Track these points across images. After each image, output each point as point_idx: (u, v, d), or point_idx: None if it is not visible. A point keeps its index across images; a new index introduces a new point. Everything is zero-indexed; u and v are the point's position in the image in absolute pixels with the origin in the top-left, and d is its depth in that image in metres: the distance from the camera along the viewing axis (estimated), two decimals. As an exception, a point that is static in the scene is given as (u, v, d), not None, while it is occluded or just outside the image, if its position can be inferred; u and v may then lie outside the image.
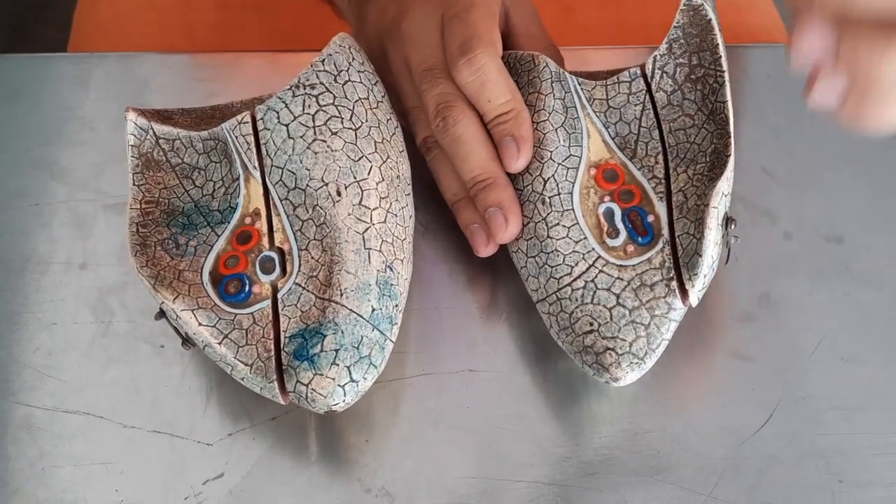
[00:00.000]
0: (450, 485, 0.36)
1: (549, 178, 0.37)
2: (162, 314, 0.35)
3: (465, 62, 0.37)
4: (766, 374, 0.39)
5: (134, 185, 0.37)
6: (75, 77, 0.47)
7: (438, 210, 0.43)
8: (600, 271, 0.36)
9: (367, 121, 0.37)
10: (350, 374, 0.33)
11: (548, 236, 0.37)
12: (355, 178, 0.35)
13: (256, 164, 0.36)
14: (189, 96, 0.47)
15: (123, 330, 0.39)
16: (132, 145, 0.38)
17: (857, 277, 0.42)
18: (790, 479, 0.36)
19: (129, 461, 0.36)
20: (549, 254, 0.36)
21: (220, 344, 0.33)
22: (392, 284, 0.35)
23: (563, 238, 0.36)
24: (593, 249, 0.36)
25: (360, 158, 0.36)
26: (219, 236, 0.36)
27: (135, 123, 0.38)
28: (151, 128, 0.38)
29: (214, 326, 0.33)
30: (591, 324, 0.35)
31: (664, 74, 0.38)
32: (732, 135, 0.36)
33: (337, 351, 0.32)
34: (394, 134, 0.38)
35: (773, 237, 0.43)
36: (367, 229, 0.35)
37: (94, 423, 0.37)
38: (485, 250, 0.38)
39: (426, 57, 0.39)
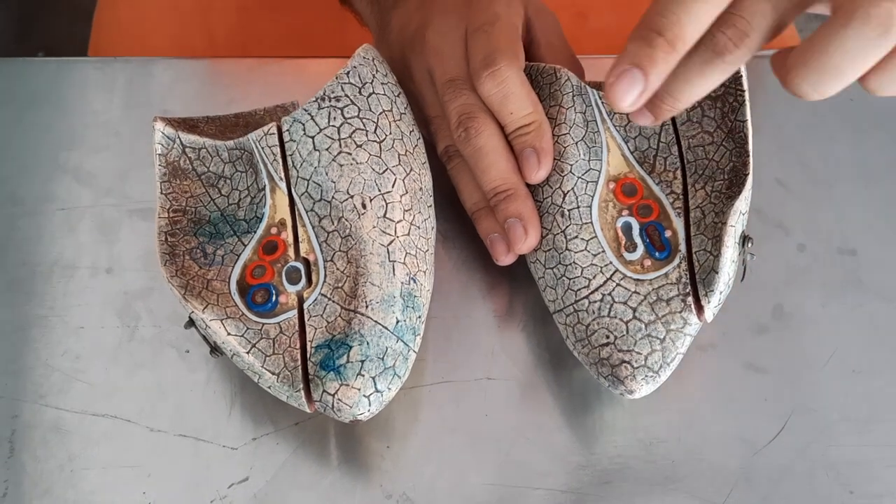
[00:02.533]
0: (469, 491, 0.37)
1: (568, 191, 0.38)
2: (191, 323, 0.35)
3: (488, 75, 0.38)
4: (779, 385, 0.39)
5: (161, 193, 0.38)
6: (99, 82, 0.48)
7: (456, 219, 0.43)
8: (617, 285, 0.36)
9: (390, 133, 0.37)
10: (375, 384, 0.33)
11: (566, 248, 0.37)
12: (380, 190, 0.36)
13: (282, 175, 0.37)
14: (210, 102, 0.48)
15: (149, 335, 0.40)
16: (159, 154, 0.38)
17: (869, 290, 0.42)
18: (802, 490, 0.37)
19: (156, 464, 0.37)
20: (567, 266, 0.37)
21: (248, 353, 0.34)
22: (415, 296, 0.35)
23: (582, 251, 0.37)
24: (611, 263, 0.37)
25: (384, 171, 0.36)
26: (245, 246, 0.37)
27: (162, 133, 0.38)
28: (178, 137, 0.38)
29: (243, 336, 0.34)
30: (608, 336, 0.36)
31: None
32: (751, 154, 0.37)
33: (363, 362, 0.33)
34: (416, 146, 0.39)
35: (786, 249, 0.43)
36: (391, 242, 0.35)
37: (121, 426, 0.38)
38: (504, 259, 0.39)
39: (449, 68, 0.40)
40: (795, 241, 0.44)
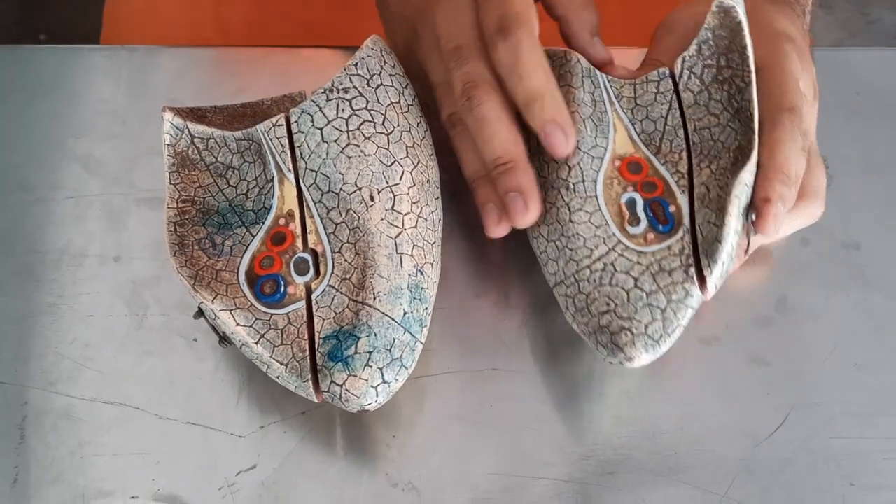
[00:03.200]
0: (473, 481, 0.37)
1: (574, 166, 0.38)
2: (200, 313, 0.36)
3: (501, 40, 0.37)
4: (781, 378, 0.40)
5: (170, 183, 0.38)
6: (107, 70, 0.48)
7: (463, 211, 0.43)
8: (620, 255, 0.37)
9: (398, 125, 0.38)
10: (382, 375, 0.34)
11: (570, 220, 0.38)
12: (388, 182, 0.36)
13: (290, 166, 0.37)
14: (218, 90, 0.48)
15: (157, 323, 0.40)
16: (168, 144, 0.38)
17: (872, 284, 0.43)
18: (802, 482, 0.37)
19: (165, 452, 0.37)
20: (569, 237, 0.37)
21: (256, 343, 0.34)
22: (422, 288, 0.36)
23: (585, 223, 0.37)
24: (614, 235, 0.37)
25: (392, 163, 0.37)
26: (254, 237, 0.37)
27: (171, 123, 0.38)
28: (187, 127, 0.39)
29: (251, 326, 0.34)
30: (608, 304, 0.36)
31: (692, 75, 0.39)
32: (756, 130, 0.37)
33: (370, 353, 0.34)
34: (424, 138, 0.39)
35: (790, 243, 0.44)
36: (399, 234, 0.36)
37: (130, 413, 0.38)
38: (496, 230, 0.38)
39: (454, 35, 0.39)
40: (799, 234, 0.44)
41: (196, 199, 0.38)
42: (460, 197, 0.43)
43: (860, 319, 0.41)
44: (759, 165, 0.37)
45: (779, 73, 0.39)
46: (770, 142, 0.37)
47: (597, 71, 0.40)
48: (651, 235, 0.37)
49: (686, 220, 0.37)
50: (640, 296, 0.36)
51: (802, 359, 0.40)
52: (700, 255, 0.36)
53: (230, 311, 0.34)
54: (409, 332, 0.35)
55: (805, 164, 0.38)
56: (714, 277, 0.36)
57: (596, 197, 0.38)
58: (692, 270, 0.36)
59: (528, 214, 0.37)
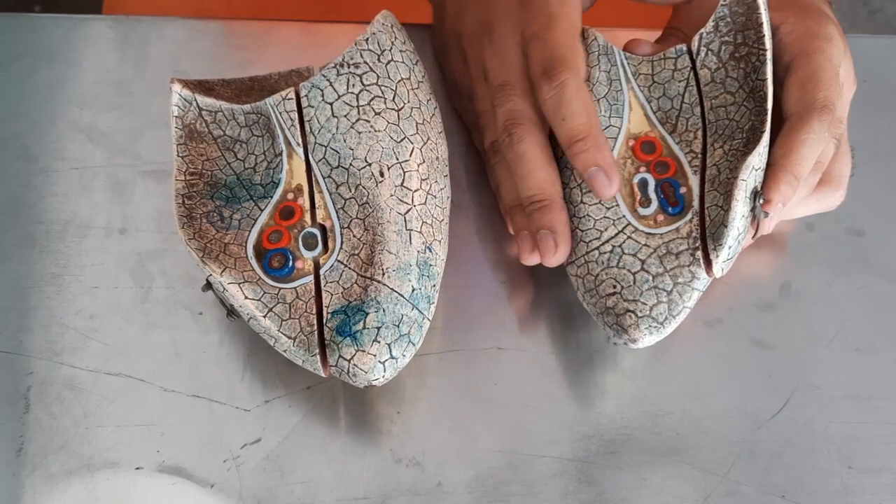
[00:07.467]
0: (477, 457, 0.37)
1: None
2: (209, 286, 0.36)
3: (546, 82, 0.37)
4: (783, 361, 0.40)
5: (178, 156, 0.38)
6: (112, 40, 0.48)
7: (470, 189, 0.43)
8: (628, 237, 0.37)
9: (408, 101, 0.37)
10: (390, 351, 0.34)
11: (581, 201, 0.38)
12: (398, 159, 0.36)
13: (300, 140, 0.37)
14: (224, 64, 0.48)
15: (163, 296, 0.40)
16: (176, 116, 0.38)
17: (875, 270, 0.43)
18: (802, 464, 0.38)
19: (170, 424, 0.37)
20: (580, 218, 0.38)
21: (264, 317, 0.34)
22: (431, 265, 0.36)
23: (596, 204, 0.38)
24: (624, 216, 0.37)
25: (402, 140, 0.36)
26: (262, 210, 0.37)
27: (180, 95, 0.38)
28: (195, 99, 0.38)
29: (260, 300, 0.34)
30: (615, 286, 0.36)
31: (709, 52, 0.39)
32: (770, 112, 0.37)
33: (379, 329, 0.34)
34: (433, 115, 0.39)
35: (795, 228, 0.44)
36: (408, 210, 0.35)
37: (135, 385, 0.38)
38: (528, 259, 0.39)
39: (502, 72, 0.40)
40: (804, 220, 0.44)
41: (204, 171, 0.38)
42: (468, 175, 0.43)
43: (862, 305, 0.42)
44: (772, 160, 0.37)
45: (818, 59, 0.38)
46: (791, 140, 0.37)
47: (614, 48, 0.40)
48: (661, 217, 0.37)
49: (696, 202, 0.37)
50: (646, 278, 0.36)
51: (804, 342, 0.41)
52: (707, 238, 0.36)
53: (239, 284, 0.34)
54: (417, 309, 0.35)
55: (831, 153, 0.39)
56: (720, 261, 0.36)
57: None
58: (699, 253, 0.36)
59: (557, 253, 0.38)
